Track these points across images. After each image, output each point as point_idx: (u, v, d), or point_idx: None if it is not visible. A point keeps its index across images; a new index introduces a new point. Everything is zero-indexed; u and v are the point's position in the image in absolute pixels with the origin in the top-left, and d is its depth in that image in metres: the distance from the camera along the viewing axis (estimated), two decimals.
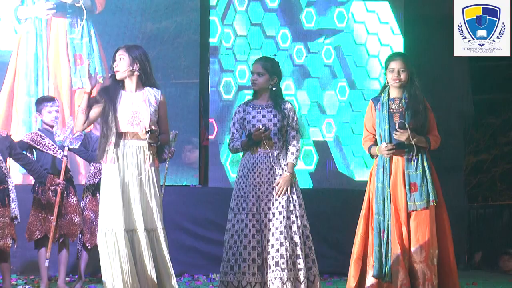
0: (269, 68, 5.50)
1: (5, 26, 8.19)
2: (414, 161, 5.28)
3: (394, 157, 5.33)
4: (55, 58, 8.22)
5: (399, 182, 5.30)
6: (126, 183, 4.88)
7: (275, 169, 5.43)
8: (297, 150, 5.50)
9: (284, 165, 5.46)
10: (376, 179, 5.39)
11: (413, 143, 5.25)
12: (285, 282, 5.25)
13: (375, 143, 5.45)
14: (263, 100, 5.55)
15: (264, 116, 5.48)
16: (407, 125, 5.26)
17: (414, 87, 5.38)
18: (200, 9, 8.42)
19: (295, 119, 5.56)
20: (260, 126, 5.40)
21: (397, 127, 5.30)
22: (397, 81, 5.35)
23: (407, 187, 5.28)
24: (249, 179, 5.44)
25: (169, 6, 8.38)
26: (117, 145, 4.89)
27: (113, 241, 4.78)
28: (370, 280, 5.36)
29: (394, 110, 5.37)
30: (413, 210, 5.26)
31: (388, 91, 5.45)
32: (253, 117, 5.50)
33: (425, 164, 5.28)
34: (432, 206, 5.26)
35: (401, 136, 5.27)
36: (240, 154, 5.64)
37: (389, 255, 5.25)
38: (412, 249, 5.23)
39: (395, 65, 5.37)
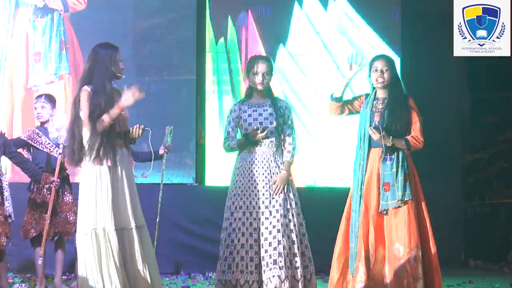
0: (272, 68, 5.54)
1: None
2: (389, 161, 5.35)
3: (371, 155, 5.41)
4: (13, 54, 8.17)
5: (373, 181, 5.37)
6: (118, 182, 4.83)
7: (272, 168, 5.43)
8: (293, 149, 5.52)
9: (281, 163, 5.46)
10: (353, 177, 5.50)
11: (386, 145, 5.30)
12: (283, 280, 5.24)
13: (340, 108, 5.57)
14: (259, 98, 5.56)
15: (260, 115, 5.49)
16: (381, 129, 5.32)
17: (396, 88, 5.45)
18: (197, 5, 8.40)
19: (291, 117, 5.58)
20: (258, 126, 5.40)
21: (373, 127, 5.37)
22: (381, 80, 5.40)
23: (381, 187, 5.33)
24: (246, 177, 5.45)
25: (161, 2, 8.36)
26: (112, 145, 4.83)
27: (106, 240, 4.74)
28: (349, 277, 5.44)
29: (377, 110, 5.45)
30: (384, 209, 5.31)
31: (376, 91, 5.53)
32: (249, 115, 5.50)
33: (400, 164, 5.33)
34: (412, 204, 5.30)
35: (373, 136, 5.34)
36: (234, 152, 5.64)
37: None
38: (393, 248, 5.27)
39: (378, 64, 5.46)
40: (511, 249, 8.56)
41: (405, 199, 5.27)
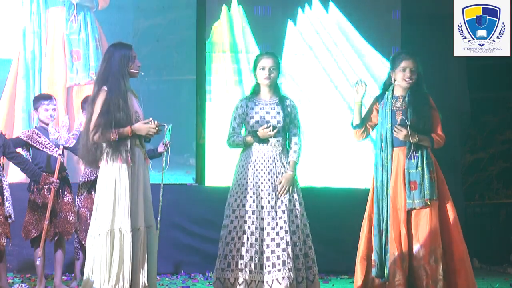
0: (279, 64, 5.51)
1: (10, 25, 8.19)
2: (414, 159, 5.27)
3: (395, 155, 5.34)
4: (51, 54, 8.19)
5: (399, 181, 5.29)
6: (134, 182, 4.86)
7: (278, 167, 5.40)
8: (299, 149, 5.48)
9: (286, 163, 5.43)
10: (375, 178, 5.41)
11: (412, 141, 5.24)
12: (292, 282, 5.20)
13: (365, 132, 5.52)
14: (266, 96, 5.52)
15: (267, 113, 5.45)
16: (408, 123, 5.26)
17: (420, 86, 5.39)
18: (197, 5, 8.41)
19: (297, 116, 5.54)
20: (270, 124, 5.37)
21: (398, 124, 5.31)
22: (410, 80, 5.35)
23: (407, 185, 5.26)
24: (250, 176, 5.40)
25: (161, 2, 8.36)
26: (131, 145, 4.86)
27: (120, 242, 4.75)
28: (377, 281, 5.37)
29: (397, 108, 5.37)
30: (411, 208, 5.24)
31: (393, 89, 5.44)
32: (256, 112, 5.46)
33: (425, 162, 5.27)
34: (435, 204, 5.24)
35: (399, 133, 5.27)
36: (233, 150, 5.61)
37: (387, 255, 5.24)
38: (413, 248, 5.23)
39: (407, 64, 5.37)
40: None
41: (433, 198, 5.22)
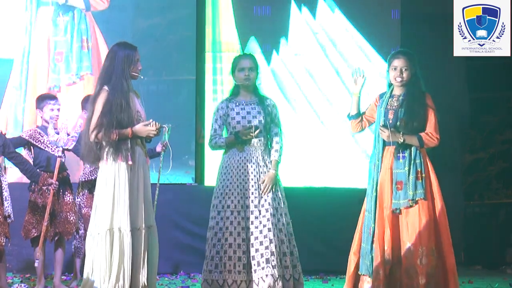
0: (257, 64, 5.57)
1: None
2: (402, 159, 5.28)
3: (386, 155, 5.34)
4: (37, 54, 8.18)
5: (387, 180, 5.30)
6: (134, 182, 4.86)
7: (261, 167, 5.43)
8: (281, 148, 5.53)
9: (269, 162, 5.48)
10: (368, 176, 5.43)
11: (397, 141, 5.24)
12: (277, 279, 5.22)
13: (360, 123, 5.54)
14: (246, 96, 5.56)
15: (248, 113, 5.50)
16: (388, 126, 5.26)
17: (415, 85, 5.38)
18: (197, 5, 8.41)
19: (278, 116, 5.60)
20: (251, 125, 5.40)
21: (381, 125, 5.32)
22: (400, 80, 5.34)
23: (393, 185, 5.27)
24: (234, 176, 5.45)
25: (161, 2, 8.37)
26: (131, 144, 4.87)
27: (120, 241, 4.75)
28: (365, 278, 5.39)
29: (391, 107, 5.37)
30: (396, 209, 5.25)
31: (392, 88, 5.45)
32: (237, 113, 5.51)
33: (412, 162, 5.25)
34: (424, 203, 5.23)
35: (382, 134, 5.29)
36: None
37: (373, 253, 5.27)
38: (404, 247, 5.23)
39: (398, 63, 5.36)
40: (511, 248, 8.56)
41: (416, 199, 5.20)
